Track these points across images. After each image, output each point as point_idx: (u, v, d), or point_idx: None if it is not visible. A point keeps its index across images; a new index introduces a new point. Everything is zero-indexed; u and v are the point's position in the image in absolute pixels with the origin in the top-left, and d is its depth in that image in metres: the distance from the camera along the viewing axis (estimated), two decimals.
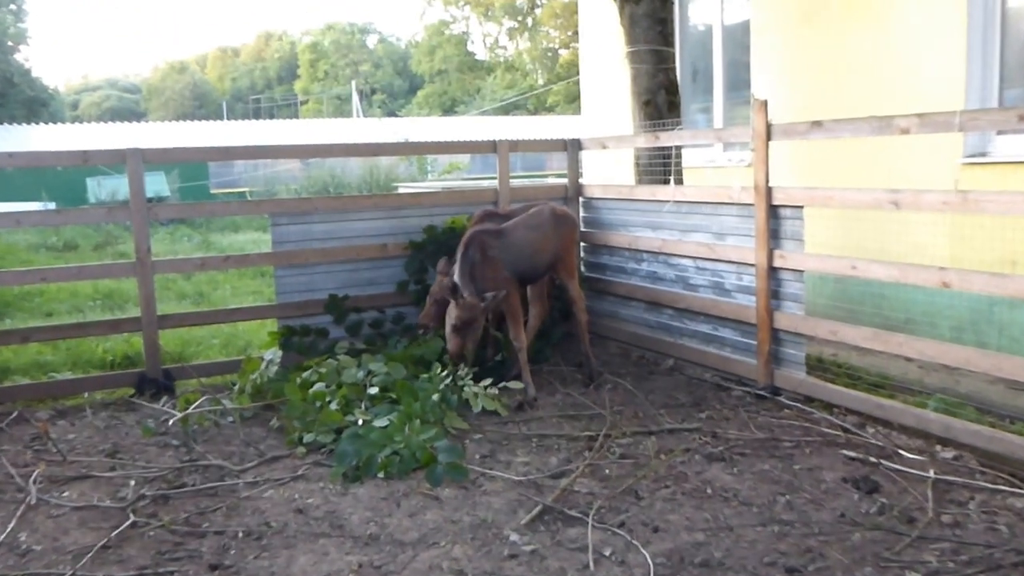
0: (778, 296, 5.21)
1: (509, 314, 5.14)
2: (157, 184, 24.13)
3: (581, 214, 6.78)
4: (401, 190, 14.58)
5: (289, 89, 65.92)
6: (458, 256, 4.97)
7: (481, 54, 60.16)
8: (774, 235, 5.18)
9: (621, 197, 6.33)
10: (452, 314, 4.76)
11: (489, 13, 57.57)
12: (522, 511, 3.70)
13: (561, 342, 6.45)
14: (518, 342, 5.16)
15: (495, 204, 6.40)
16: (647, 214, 6.13)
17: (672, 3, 6.87)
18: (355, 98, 44.29)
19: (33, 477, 4.27)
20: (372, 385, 4.98)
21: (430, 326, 5.39)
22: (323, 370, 5.21)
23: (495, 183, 6.56)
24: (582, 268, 6.65)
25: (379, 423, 4.43)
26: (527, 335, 5.62)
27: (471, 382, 4.96)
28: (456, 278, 4.80)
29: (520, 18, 56.91)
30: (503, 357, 5.75)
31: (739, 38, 7.74)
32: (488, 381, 5.02)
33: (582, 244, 6.77)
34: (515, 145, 6.40)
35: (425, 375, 4.98)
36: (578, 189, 6.70)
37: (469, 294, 4.69)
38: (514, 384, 5.17)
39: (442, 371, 4.92)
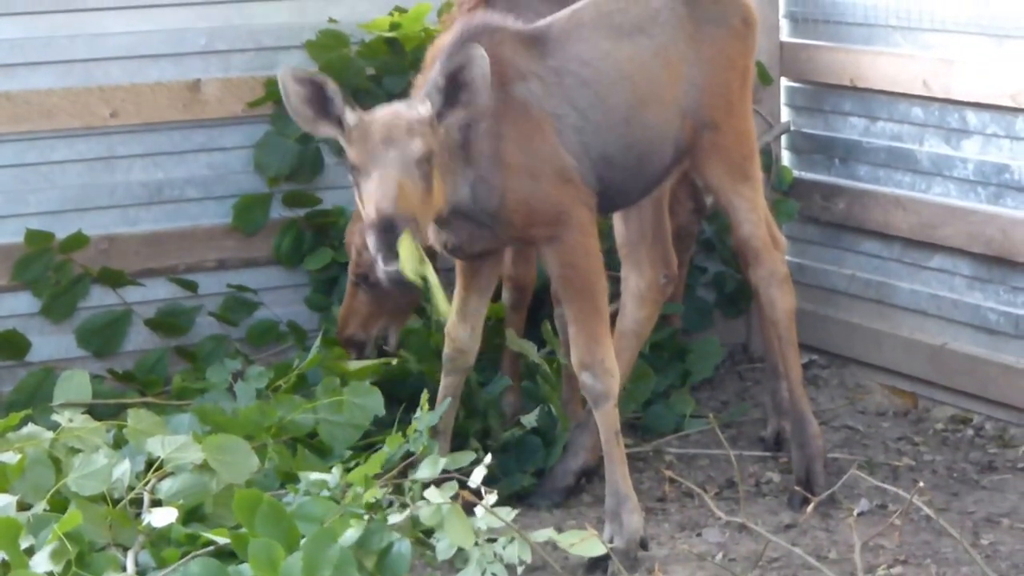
0: None
1: (570, 291, 3.85)
2: None
3: None
4: None
5: None
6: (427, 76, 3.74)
7: None
8: None
9: None
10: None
11: None
12: None
13: (719, 378, 5.06)
14: (595, 372, 3.88)
15: None
16: None
17: None
18: None
19: None
20: (158, 501, 3.71)
21: (363, 339, 4.32)
22: (9, 458, 3.85)
23: None
24: (778, 153, 5.25)
25: None
26: (621, 354, 4.12)
27: (443, 490, 3.63)
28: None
29: None
30: (547, 416, 4.21)
31: None
32: (502, 508, 3.64)
33: (782, 83, 5.15)
34: None
35: (317, 475, 3.80)
36: None
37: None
38: (572, 538, 3.73)
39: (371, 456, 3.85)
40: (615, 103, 3.95)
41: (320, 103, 3.45)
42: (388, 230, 3.27)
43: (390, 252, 3.27)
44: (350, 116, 3.41)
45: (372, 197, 3.37)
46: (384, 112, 3.48)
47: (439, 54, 3.66)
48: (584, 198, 3.76)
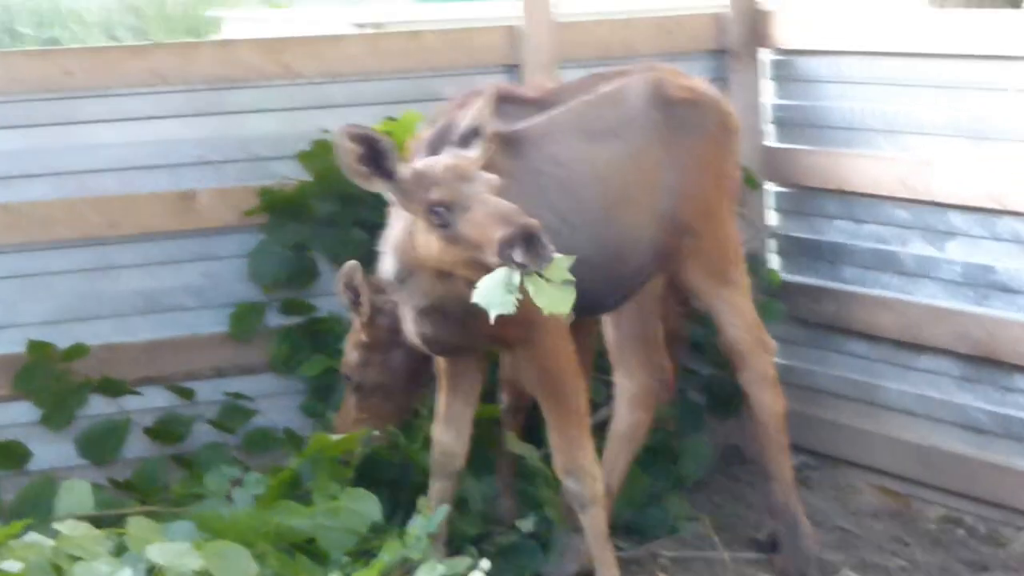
0: None
1: (546, 395, 3.88)
2: None
3: (771, 99, 5.07)
4: (233, 32, 10.78)
5: None
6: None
7: None
8: None
9: (885, 50, 4.71)
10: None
11: None
12: None
13: (712, 480, 4.92)
14: (578, 477, 3.92)
15: (513, 72, 4.85)
16: (960, 98, 4.49)
17: None
18: None
19: None
20: None
21: (359, 381, 4.26)
22: (11, 566, 3.81)
23: (516, 11, 4.96)
24: (768, 257, 5.29)
25: None
26: (616, 458, 4.20)
27: None
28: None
29: None
30: (544, 520, 4.20)
31: None
32: None
33: (771, 189, 5.15)
34: None
35: None
36: (755, 26, 5.23)
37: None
38: None
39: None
40: (589, 204, 3.77)
41: (373, 159, 3.47)
42: (531, 236, 3.22)
43: (540, 258, 3.21)
44: (403, 169, 3.41)
45: (496, 216, 3.33)
46: (435, 160, 3.50)
47: (419, 146, 3.75)
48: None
